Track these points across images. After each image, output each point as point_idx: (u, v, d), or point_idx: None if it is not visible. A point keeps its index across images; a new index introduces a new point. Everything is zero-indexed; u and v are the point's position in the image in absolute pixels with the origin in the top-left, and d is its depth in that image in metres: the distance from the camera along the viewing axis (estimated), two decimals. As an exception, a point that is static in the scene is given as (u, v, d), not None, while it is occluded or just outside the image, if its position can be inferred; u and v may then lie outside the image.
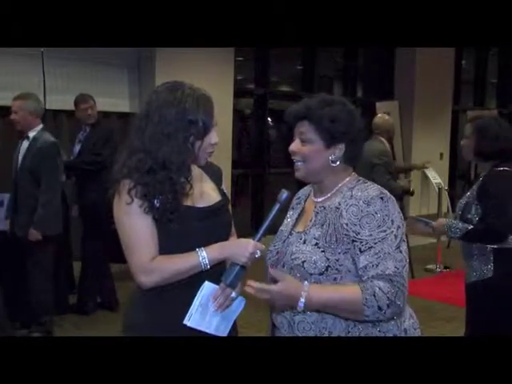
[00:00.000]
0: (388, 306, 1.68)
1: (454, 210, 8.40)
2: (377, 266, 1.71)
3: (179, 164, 1.80)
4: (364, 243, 1.73)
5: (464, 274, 3.13)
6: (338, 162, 1.85)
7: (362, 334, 1.78)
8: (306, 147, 1.85)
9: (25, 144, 4.31)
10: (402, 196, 5.64)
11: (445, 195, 7.68)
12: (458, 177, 10.63)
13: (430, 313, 5.17)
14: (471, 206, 3.02)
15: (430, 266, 6.92)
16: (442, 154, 9.96)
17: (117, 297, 5.08)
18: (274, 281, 1.70)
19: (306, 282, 1.71)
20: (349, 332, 1.78)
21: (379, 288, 1.68)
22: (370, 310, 1.67)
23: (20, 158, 4.30)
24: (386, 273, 1.70)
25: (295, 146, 1.88)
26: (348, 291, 1.71)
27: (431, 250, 7.22)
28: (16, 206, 4.32)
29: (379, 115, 5.92)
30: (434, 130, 9.55)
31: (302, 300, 1.68)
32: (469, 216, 3.03)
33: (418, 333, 1.87)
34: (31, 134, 4.29)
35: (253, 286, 1.67)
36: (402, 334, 1.82)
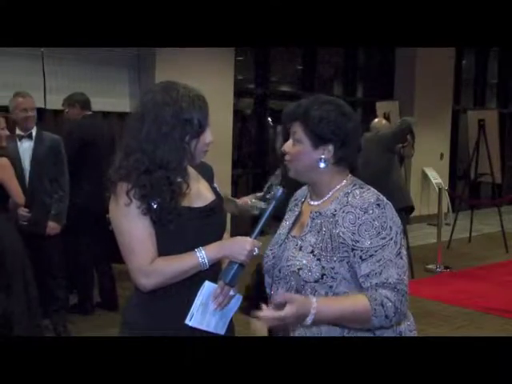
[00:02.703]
0: (394, 314, 1.67)
1: (454, 210, 8.46)
2: (380, 273, 1.69)
3: (176, 163, 1.79)
4: (365, 251, 1.71)
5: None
6: (325, 164, 1.80)
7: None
8: (295, 147, 1.82)
9: (26, 144, 4.29)
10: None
11: (445, 195, 7.68)
12: (458, 177, 10.63)
13: (430, 313, 5.17)
14: (271, 187, 3.16)
15: (430, 266, 6.91)
16: (442, 154, 9.96)
17: (117, 297, 5.08)
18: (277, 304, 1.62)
19: (314, 299, 1.65)
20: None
21: (386, 297, 1.66)
22: (377, 319, 1.66)
23: (26, 157, 4.28)
24: (390, 281, 1.68)
25: (286, 145, 1.85)
26: (357, 304, 1.67)
27: (431, 250, 7.21)
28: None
29: (376, 120, 6.00)
30: (434, 130, 9.54)
31: (311, 317, 1.62)
32: (268, 196, 3.09)
33: (413, 335, 1.85)
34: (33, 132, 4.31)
35: (266, 315, 1.59)
36: None
